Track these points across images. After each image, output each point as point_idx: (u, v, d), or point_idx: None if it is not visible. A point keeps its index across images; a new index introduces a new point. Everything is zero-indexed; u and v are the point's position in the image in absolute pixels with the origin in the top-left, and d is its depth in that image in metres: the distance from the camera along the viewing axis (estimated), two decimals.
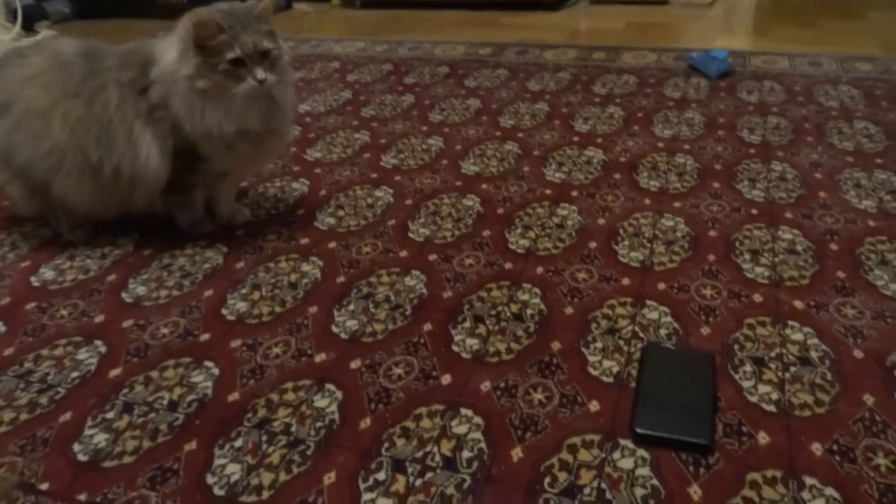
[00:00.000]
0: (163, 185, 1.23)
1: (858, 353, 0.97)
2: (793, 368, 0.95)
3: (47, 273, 1.26)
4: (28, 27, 3.02)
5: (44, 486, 0.82)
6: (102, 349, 1.06)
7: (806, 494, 0.77)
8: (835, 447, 0.83)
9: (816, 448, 0.83)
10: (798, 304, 1.08)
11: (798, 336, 1.01)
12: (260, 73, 1.15)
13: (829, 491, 0.77)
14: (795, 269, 1.16)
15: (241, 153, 1.24)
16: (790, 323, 1.04)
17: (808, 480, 0.79)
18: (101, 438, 0.89)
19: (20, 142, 1.20)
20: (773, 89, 1.98)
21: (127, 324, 1.11)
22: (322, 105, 2.04)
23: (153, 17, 3.31)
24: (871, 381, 0.92)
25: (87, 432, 0.90)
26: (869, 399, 0.89)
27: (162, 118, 1.18)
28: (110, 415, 0.93)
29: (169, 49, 1.15)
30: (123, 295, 1.19)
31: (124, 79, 1.19)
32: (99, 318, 1.13)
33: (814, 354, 0.97)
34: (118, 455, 0.86)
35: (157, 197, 1.27)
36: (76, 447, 0.88)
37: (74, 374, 1.00)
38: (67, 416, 0.93)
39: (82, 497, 0.81)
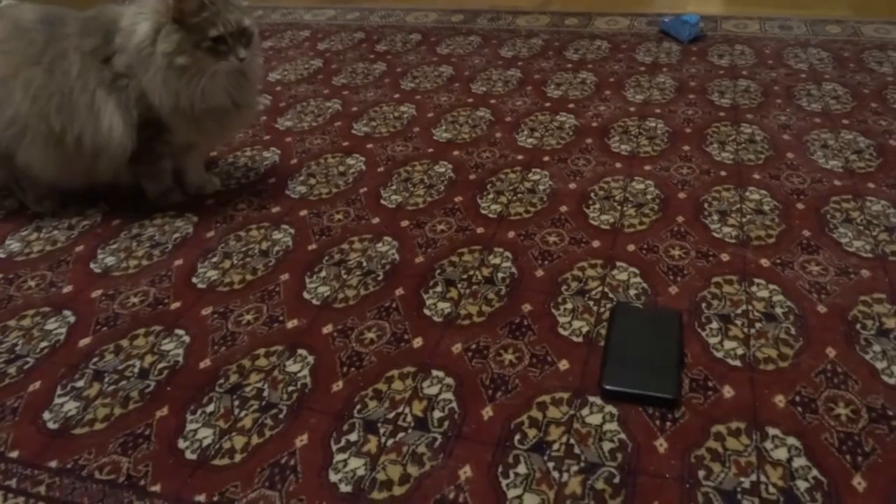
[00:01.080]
0: (128, 156, 1.22)
1: (822, 308, 0.99)
2: (758, 324, 0.97)
3: (14, 244, 1.25)
4: None
5: (13, 454, 0.82)
6: (71, 319, 1.05)
7: (769, 444, 0.79)
8: (797, 399, 0.85)
9: (780, 400, 0.85)
10: (764, 262, 1.10)
11: (764, 293, 1.03)
12: (242, 52, 1.14)
13: (791, 440, 0.79)
14: (762, 228, 1.18)
15: (207, 127, 1.23)
16: (756, 280, 1.05)
17: (771, 431, 0.81)
18: (71, 406, 0.89)
19: None
20: (743, 53, 1.99)
21: (96, 294, 1.10)
22: (293, 74, 2.02)
23: None
24: (834, 334, 0.95)
25: (57, 401, 0.90)
26: (831, 352, 0.92)
27: (126, 87, 1.16)
28: (80, 383, 0.92)
29: (140, 20, 1.13)
30: (92, 265, 1.18)
31: (86, 46, 1.17)
32: (67, 289, 1.12)
33: (779, 310, 0.99)
34: (89, 422, 0.86)
35: (124, 167, 1.25)
36: (46, 415, 0.87)
37: (43, 344, 1.00)
38: (37, 385, 0.93)
39: (53, 464, 0.81)
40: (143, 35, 1.12)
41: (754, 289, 1.04)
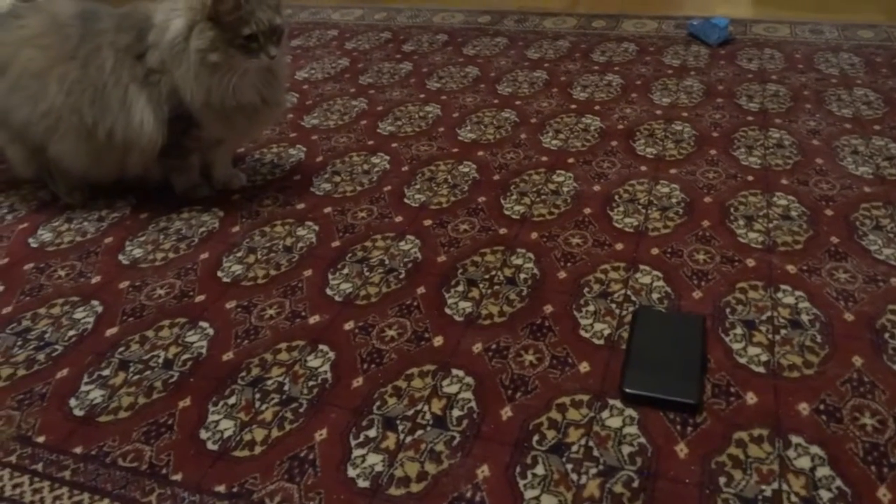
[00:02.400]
0: (158, 150, 1.24)
1: (849, 316, 0.98)
2: (783, 331, 0.96)
3: (45, 235, 1.27)
4: None
5: (40, 439, 0.84)
6: (99, 309, 1.07)
7: (791, 453, 0.78)
8: (822, 407, 0.84)
9: (803, 408, 0.84)
10: (791, 268, 1.08)
11: (790, 300, 1.01)
12: (273, 50, 1.16)
13: (815, 449, 0.78)
14: (789, 234, 1.17)
15: (236, 123, 1.25)
16: (782, 287, 1.04)
17: (794, 439, 0.80)
18: (97, 394, 0.90)
19: (18, 103, 1.20)
20: (773, 57, 1.97)
21: (123, 285, 1.12)
22: (320, 72, 2.03)
23: None
24: (861, 343, 0.93)
25: (84, 388, 0.91)
26: (857, 360, 0.90)
27: (158, 83, 1.18)
28: (106, 372, 0.94)
29: (174, 17, 1.15)
30: (120, 257, 1.20)
31: (120, 43, 1.19)
32: (96, 279, 1.14)
33: (804, 317, 0.98)
34: (114, 410, 0.88)
35: (154, 162, 1.27)
36: (72, 402, 0.89)
37: (71, 333, 1.02)
38: (64, 372, 0.94)
39: (78, 450, 0.82)
40: (176, 31, 1.14)
41: (780, 295, 1.02)
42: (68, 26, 1.20)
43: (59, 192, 1.36)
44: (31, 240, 1.26)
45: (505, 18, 2.48)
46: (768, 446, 0.79)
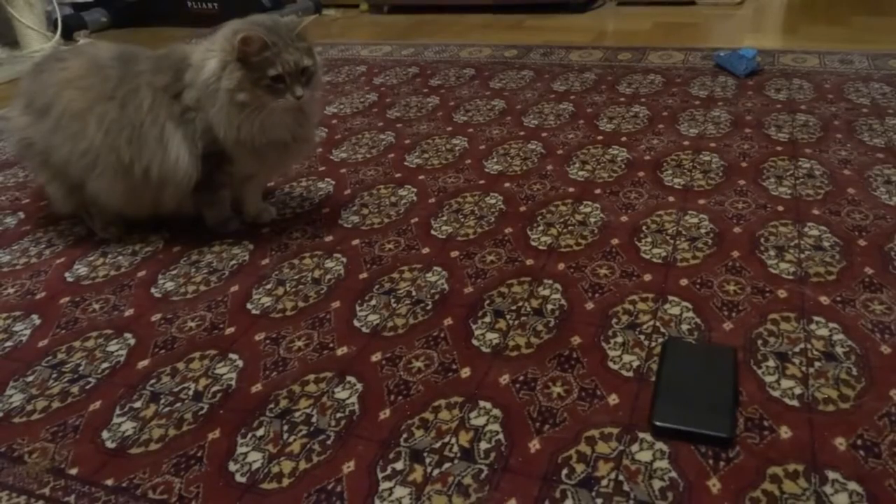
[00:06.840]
0: (192, 185, 1.27)
1: (886, 349, 0.96)
2: (817, 363, 0.94)
3: (81, 269, 1.30)
4: (67, 36, 3.11)
5: (73, 471, 0.85)
6: (132, 341, 1.08)
7: (828, 489, 0.76)
8: (859, 442, 0.81)
9: (840, 443, 0.82)
10: (824, 299, 1.06)
11: (823, 331, 0.99)
12: (298, 91, 1.18)
13: (853, 486, 0.76)
14: (822, 265, 1.15)
15: (268, 159, 1.28)
16: (815, 318, 1.02)
17: (831, 475, 0.78)
18: (128, 426, 0.91)
19: (59, 142, 1.24)
20: (802, 87, 1.96)
21: (155, 317, 1.14)
22: (349, 107, 2.07)
23: (186, 25, 3.39)
24: None
25: (116, 420, 0.92)
26: None
27: (193, 120, 1.21)
28: (138, 404, 0.95)
29: (209, 57, 1.18)
30: (153, 290, 1.22)
31: (157, 83, 1.22)
32: (129, 312, 1.16)
33: (839, 350, 0.96)
34: (144, 442, 0.88)
35: (187, 197, 1.30)
36: (105, 434, 0.90)
37: (105, 365, 1.03)
38: (97, 404, 0.96)
39: (109, 482, 0.83)
40: (210, 71, 1.17)
41: (813, 327, 1.01)
42: (108, 68, 1.25)
43: (95, 228, 1.40)
44: (67, 274, 1.29)
45: (531, 52, 2.51)
46: (804, 482, 0.77)
